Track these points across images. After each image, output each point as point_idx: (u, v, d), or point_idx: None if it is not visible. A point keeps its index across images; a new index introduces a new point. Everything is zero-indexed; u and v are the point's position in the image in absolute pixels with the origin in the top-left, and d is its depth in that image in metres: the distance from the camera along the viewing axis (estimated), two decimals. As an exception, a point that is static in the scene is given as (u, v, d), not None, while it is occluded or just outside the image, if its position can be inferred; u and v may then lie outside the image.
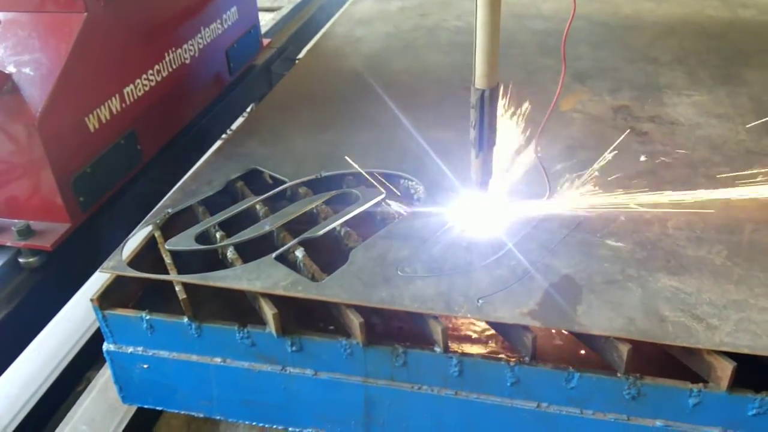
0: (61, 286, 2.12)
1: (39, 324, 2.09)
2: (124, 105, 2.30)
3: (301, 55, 3.58)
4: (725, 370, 1.43)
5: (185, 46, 2.67)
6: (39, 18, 2.10)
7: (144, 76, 2.41)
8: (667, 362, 1.55)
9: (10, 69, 2.00)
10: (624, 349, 1.46)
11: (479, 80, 1.67)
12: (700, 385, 1.47)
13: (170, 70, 2.57)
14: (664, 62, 2.90)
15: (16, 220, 2.04)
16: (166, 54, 2.55)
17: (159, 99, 2.50)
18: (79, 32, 2.06)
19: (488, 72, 1.66)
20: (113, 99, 2.26)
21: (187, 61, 2.69)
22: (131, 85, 2.34)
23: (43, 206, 2.05)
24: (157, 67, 2.49)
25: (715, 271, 1.68)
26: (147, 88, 2.43)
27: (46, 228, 2.05)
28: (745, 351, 1.44)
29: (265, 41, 3.48)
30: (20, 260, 2.04)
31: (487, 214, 1.90)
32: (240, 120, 3.20)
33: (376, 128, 2.41)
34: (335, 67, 3.01)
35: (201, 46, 2.79)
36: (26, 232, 2.02)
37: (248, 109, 3.29)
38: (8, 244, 2.02)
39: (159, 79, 2.50)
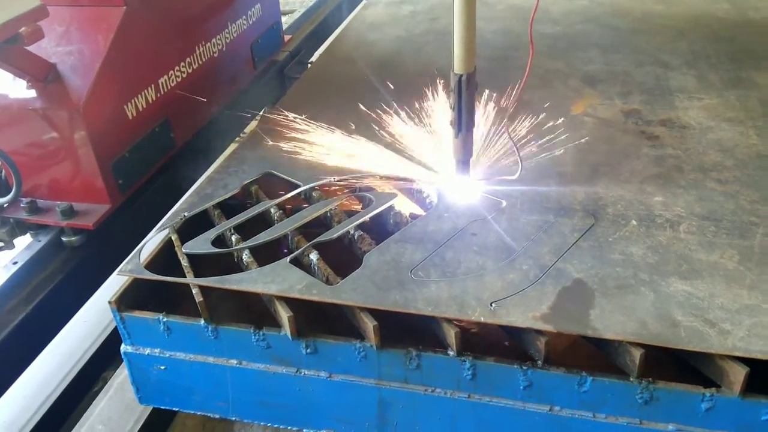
0: (101, 263, 2.22)
1: (80, 300, 2.20)
2: (158, 94, 2.44)
3: (313, 59, 3.61)
4: (738, 375, 1.44)
5: (214, 40, 2.81)
6: (80, 11, 2.23)
7: (177, 67, 2.55)
8: (679, 366, 1.57)
9: (54, 59, 2.12)
10: (637, 354, 1.47)
11: (457, 65, 1.80)
12: (713, 389, 1.48)
13: (200, 62, 2.71)
14: (675, 66, 2.90)
15: (59, 202, 2.16)
16: (196, 47, 2.69)
17: (190, 89, 2.63)
18: (119, 25, 2.19)
19: (465, 58, 1.78)
20: (149, 89, 2.39)
21: (216, 55, 2.82)
22: (165, 76, 2.47)
23: (84, 188, 2.17)
24: (188, 59, 2.63)
25: (728, 276, 1.68)
26: (179, 79, 2.56)
27: (87, 209, 2.18)
28: (758, 356, 1.44)
29: (287, 37, 3.56)
30: (63, 239, 2.16)
31: (464, 189, 2.01)
32: (254, 123, 3.22)
33: (390, 132, 2.42)
34: (347, 70, 3.03)
35: (228, 41, 2.93)
36: (69, 213, 2.13)
37: (261, 112, 3.32)
38: (52, 223, 2.14)
39: (190, 70, 2.64)
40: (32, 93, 2.08)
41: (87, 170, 2.14)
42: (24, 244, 2.18)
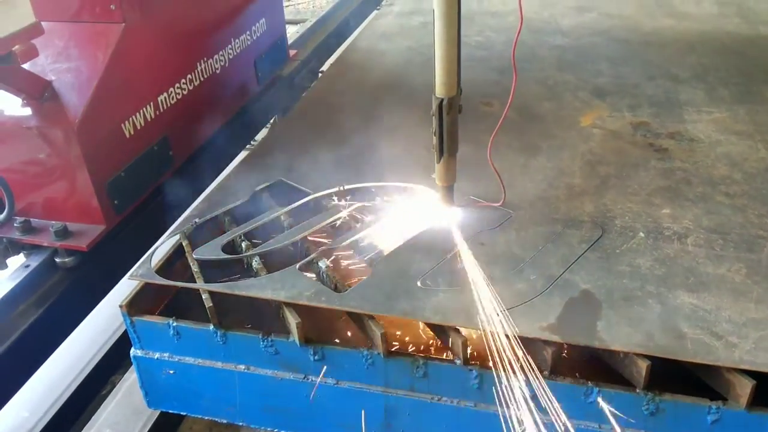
0: (95, 285, 2.19)
1: (73, 321, 2.17)
2: (157, 112, 2.38)
3: (324, 68, 3.64)
4: (744, 387, 1.44)
5: (216, 56, 2.76)
6: (78, 28, 2.20)
7: (177, 84, 2.50)
8: (686, 379, 1.57)
9: (51, 76, 2.08)
10: (643, 366, 1.48)
11: (438, 89, 1.75)
12: (719, 402, 1.48)
13: (202, 79, 2.66)
14: (684, 79, 2.91)
15: (53, 222, 2.12)
16: (198, 64, 2.63)
17: (191, 107, 2.58)
18: (117, 42, 2.15)
19: (446, 81, 1.74)
20: (148, 106, 2.34)
21: (218, 71, 2.77)
22: (165, 94, 2.43)
23: (79, 208, 2.13)
24: (189, 76, 2.57)
25: (735, 289, 1.69)
26: (179, 97, 2.51)
27: (81, 229, 2.13)
28: (765, 369, 1.44)
29: (292, 52, 3.55)
30: (57, 260, 2.12)
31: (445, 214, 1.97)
32: (264, 131, 3.25)
33: (398, 141, 2.45)
34: (358, 80, 3.06)
35: (231, 57, 2.87)
36: (63, 233, 2.10)
37: (271, 121, 3.35)
38: (45, 244, 2.11)
39: (191, 87, 2.58)
40: (27, 111, 2.04)
41: (81, 190, 2.09)
42: (17, 263, 2.14)
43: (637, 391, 1.51)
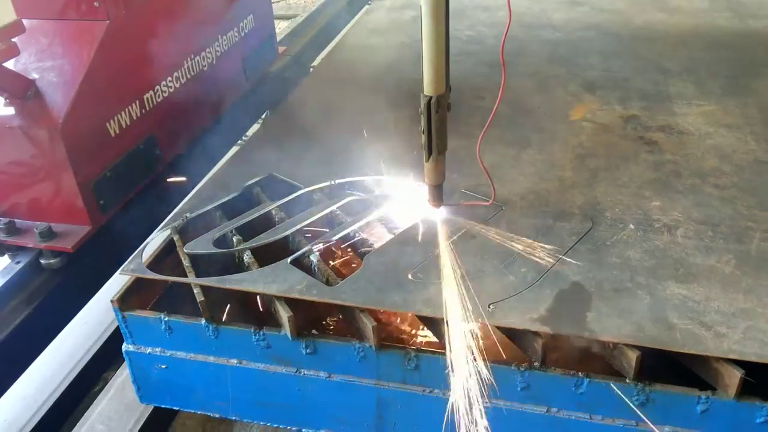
0: (81, 286, 2.17)
1: (59, 324, 2.15)
2: (144, 111, 2.35)
3: (315, 63, 3.63)
4: (733, 377, 1.45)
5: (203, 53, 2.73)
6: (62, 25, 2.16)
7: (163, 82, 2.46)
8: (675, 369, 1.58)
9: (34, 75, 2.05)
10: (633, 356, 1.48)
11: (426, 87, 1.72)
12: (708, 392, 1.49)
13: (189, 76, 2.62)
14: (675, 72, 2.92)
15: (38, 222, 2.10)
16: (185, 61, 2.60)
17: (178, 105, 2.55)
18: (101, 39, 2.12)
19: (434, 79, 1.70)
20: (133, 105, 2.30)
21: (205, 68, 2.74)
22: (151, 92, 2.39)
23: (64, 209, 2.11)
24: (176, 73, 2.54)
25: (724, 280, 1.70)
26: (166, 94, 2.48)
27: (67, 230, 2.11)
28: (753, 359, 1.46)
29: (281, 48, 3.53)
30: (42, 261, 2.11)
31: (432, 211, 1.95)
32: (256, 126, 3.25)
33: (390, 136, 2.45)
34: (350, 75, 3.05)
35: (219, 54, 2.84)
36: (48, 234, 2.07)
37: (263, 116, 3.34)
38: (30, 245, 2.08)
39: (178, 85, 2.55)
40: (10, 110, 2.01)
41: (66, 190, 2.07)
42: (2, 265, 2.13)
43: (627, 381, 1.52)
